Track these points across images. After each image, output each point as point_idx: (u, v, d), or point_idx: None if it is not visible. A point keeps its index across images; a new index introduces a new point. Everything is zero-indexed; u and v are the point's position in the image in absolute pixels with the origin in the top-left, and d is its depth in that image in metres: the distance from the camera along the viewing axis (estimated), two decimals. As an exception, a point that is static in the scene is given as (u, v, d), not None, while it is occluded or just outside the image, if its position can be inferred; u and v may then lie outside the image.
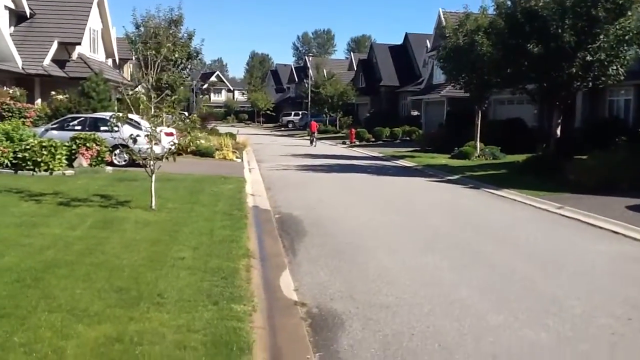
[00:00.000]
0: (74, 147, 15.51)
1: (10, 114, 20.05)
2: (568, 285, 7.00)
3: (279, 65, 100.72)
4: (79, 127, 17.42)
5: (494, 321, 5.74)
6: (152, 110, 10.36)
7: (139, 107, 10.30)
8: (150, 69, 10.59)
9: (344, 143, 39.20)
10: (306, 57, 78.20)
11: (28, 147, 13.92)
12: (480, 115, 25.45)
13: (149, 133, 10.23)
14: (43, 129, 17.30)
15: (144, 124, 11.24)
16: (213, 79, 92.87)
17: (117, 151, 16.48)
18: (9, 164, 14.01)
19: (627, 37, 17.53)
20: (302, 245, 8.89)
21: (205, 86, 78.71)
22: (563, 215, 11.89)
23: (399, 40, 55.62)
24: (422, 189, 16.43)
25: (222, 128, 40.87)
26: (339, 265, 7.71)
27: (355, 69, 60.56)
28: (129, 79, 27.52)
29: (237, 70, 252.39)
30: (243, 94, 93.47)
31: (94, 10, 29.13)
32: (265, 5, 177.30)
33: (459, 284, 6.96)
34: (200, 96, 25.14)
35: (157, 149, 11.50)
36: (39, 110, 21.95)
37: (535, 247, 9.12)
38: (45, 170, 13.88)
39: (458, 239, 9.44)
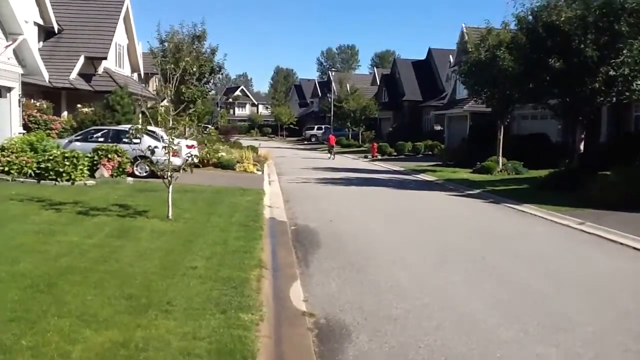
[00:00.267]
0: (96, 158, 15.81)
1: (37, 126, 20.56)
2: (582, 302, 6.86)
3: (302, 80, 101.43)
4: (101, 139, 17.77)
5: (504, 336, 5.64)
6: (170, 122, 10.51)
7: (157, 119, 10.45)
8: (169, 82, 10.77)
9: (365, 157, 39.20)
10: (330, 72, 78.57)
11: (51, 157, 14.23)
12: (502, 130, 25.23)
13: (166, 145, 10.36)
14: (67, 141, 17.70)
15: (165, 136, 11.42)
16: (237, 93, 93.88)
17: (138, 162, 16.73)
18: (33, 174, 14.33)
19: (651, 52, 17.25)
20: (316, 257, 8.88)
21: (229, 100, 79.50)
22: (583, 231, 11.67)
23: (422, 56, 55.64)
24: (441, 203, 16.30)
25: (245, 141, 41.25)
26: (351, 277, 7.68)
27: (379, 83, 60.67)
28: (155, 93, 27.97)
29: (261, 84, 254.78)
30: (267, 108, 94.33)
31: (120, 25, 29.81)
32: (290, 21, 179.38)
33: (471, 298, 6.87)
34: (219, 109, 25.36)
35: (177, 161, 11.67)
36: (64, 123, 22.44)
37: (552, 262, 8.96)
38: (67, 181, 14.15)
39: (473, 254, 9.32)
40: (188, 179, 17.02)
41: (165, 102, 15.33)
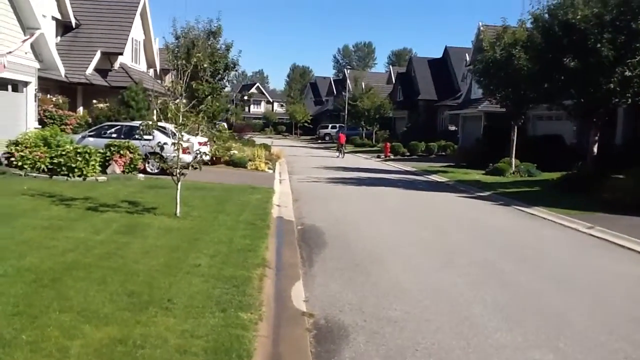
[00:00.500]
0: (108, 154, 15.96)
1: (52, 121, 20.82)
2: (585, 307, 6.81)
3: (318, 78, 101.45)
4: (114, 135, 17.94)
5: (502, 340, 5.62)
6: (180, 118, 10.57)
7: (167, 115, 10.52)
8: (180, 78, 10.83)
9: (378, 157, 39.12)
10: (345, 70, 78.46)
11: (64, 153, 14.39)
12: (516, 131, 25.03)
13: (175, 141, 10.43)
14: (80, 136, 17.89)
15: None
16: (253, 90, 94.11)
17: (150, 159, 16.86)
18: (45, 169, 14.51)
19: (669, 52, 17.00)
20: (320, 257, 8.91)
21: (244, 97, 79.75)
22: (592, 236, 11.56)
23: (439, 54, 55.31)
24: (450, 205, 16.22)
25: (259, 139, 41.38)
26: (353, 278, 7.69)
27: (394, 82, 60.46)
28: (166, 89, 28.18)
29: (278, 82, 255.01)
30: (282, 105, 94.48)
31: (137, 21, 30.06)
32: (308, 18, 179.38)
33: (472, 301, 6.85)
34: (229, 106, 25.43)
35: (187, 158, 11.74)
36: (79, 118, 22.69)
37: (558, 267, 8.89)
38: (79, 176, 14.31)
39: (479, 257, 9.29)
40: (199, 176, 17.18)
41: (183, 100, 15.46)
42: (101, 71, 26.98)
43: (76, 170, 14.31)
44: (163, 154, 10.67)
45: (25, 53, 18.51)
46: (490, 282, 7.75)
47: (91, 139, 17.59)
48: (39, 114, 20.59)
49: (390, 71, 70.37)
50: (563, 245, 10.77)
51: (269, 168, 23.30)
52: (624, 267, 9.14)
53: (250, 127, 60.23)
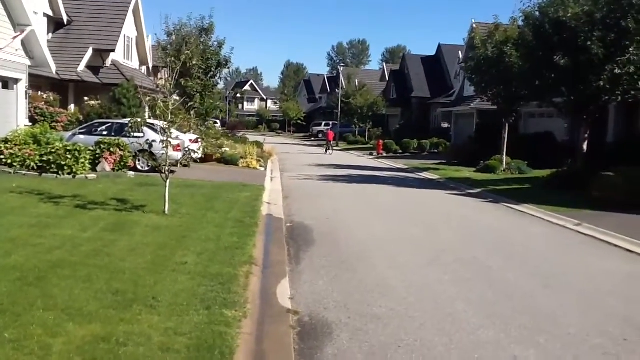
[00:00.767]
0: (98, 151, 15.92)
1: (43, 118, 20.72)
2: (569, 304, 6.87)
3: (312, 75, 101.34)
4: (105, 132, 17.89)
5: (485, 337, 5.67)
6: (169, 116, 10.56)
7: (156, 112, 10.52)
8: (169, 76, 10.82)
9: (371, 154, 39.16)
10: (339, 67, 78.42)
11: (53, 150, 14.35)
12: (507, 128, 25.12)
13: (164, 139, 10.43)
14: (70, 134, 17.83)
15: (172, 130, 11.45)
16: (246, 87, 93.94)
17: (140, 156, 16.82)
18: (35, 167, 14.46)
19: (658, 50, 17.09)
20: (307, 254, 8.93)
21: (237, 95, 79.59)
22: (580, 233, 11.64)
23: (433, 52, 55.37)
24: (440, 202, 16.28)
25: (252, 137, 41.34)
26: (340, 275, 7.73)
27: (387, 79, 60.50)
28: (156, 86, 28.14)
29: (272, 79, 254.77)
30: (275, 103, 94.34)
31: (129, 18, 29.93)
32: (302, 16, 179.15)
33: (457, 298, 6.89)
34: (219, 103, 25.29)
35: (177, 155, 11.73)
36: (70, 115, 22.60)
37: (544, 263, 8.96)
38: (69, 174, 14.28)
39: (466, 253, 9.34)
40: (190, 173, 17.22)
41: (175, 96, 15.46)
42: (93, 68, 26.88)
43: (66, 168, 14.28)
44: (152, 151, 10.66)
45: (16, 50, 18.43)
46: (476, 279, 7.80)
47: (81, 136, 17.54)
48: (30, 111, 20.49)
49: (383, 68, 70.43)
50: (551, 243, 10.84)
51: (261, 165, 23.30)
52: (610, 264, 9.20)
53: (243, 124, 60.24)
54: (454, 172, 24.83)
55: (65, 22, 27.27)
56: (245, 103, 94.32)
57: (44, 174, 14.25)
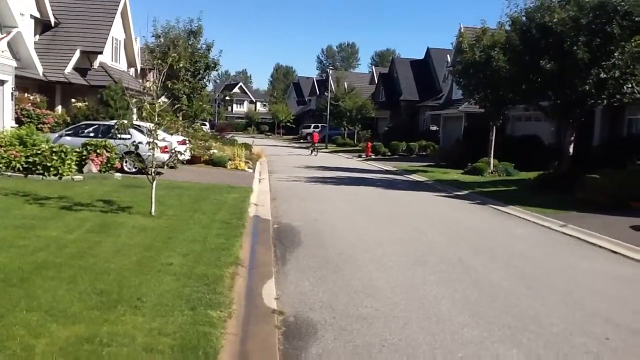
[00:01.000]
0: (85, 153, 15.83)
1: (30, 120, 20.59)
2: (552, 304, 6.93)
3: (301, 78, 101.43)
4: (92, 134, 17.79)
5: (468, 336, 5.71)
6: (156, 118, 10.54)
7: (142, 114, 10.50)
8: (155, 78, 10.81)
9: (360, 156, 39.27)
10: (328, 70, 78.53)
11: (39, 152, 14.25)
12: (495, 131, 25.32)
13: (150, 141, 10.41)
14: (57, 135, 17.73)
15: (159, 132, 11.42)
16: (236, 90, 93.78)
17: (127, 158, 16.75)
18: (21, 168, 14.35)
19: (642, 55, 17.30)
20: (294, 255, 8.94)
21: (227, 97, 79.44)
22: (564, 234, 11.76)
23: (422, 55, 55.58)
24: (427, 204, 16.35)
25: (241, 139, 41.26)
26: (326, 276, 7.74)
27: (377, 82, 60.67)
28: (142, 88, 28.08)
29: (261, 82, 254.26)
30: (265, 105, 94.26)
31: (117, 20, 29.80)
32: (292, 19, 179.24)
33: (442, 298, 6.94)
34: (205, 106, 25.17)
35: (164, 157, 11.69)
36: (57, 117, 22.47)
37: (528, 264, 9.03)
38: (55, 175, 14.19)
39: (451, 255, 9.39)
40: (177, 175, 17.17)
41: (163, 98, 15.45)
42: (80, 70, 26.72)
43: (52, 169, 14.19)
44: (139, 152, 10.64)
45: (2, 52, 18.31)
46: (461, 279, 7.85)
47: (68, 137, 17.44)
48: (16, 112, 20.35)
49: (373, 72, 70.54)
50: (535, 243, 10.92)
51: (249, 167, 23.28)
52: (594, 264, 9.30)
53: (232, 126, 60.05)
54: (442, 174, 24.95)
55: (53, 24, 27.11)
56: (234, 105, 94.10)
57: (29, 176, 14.15)
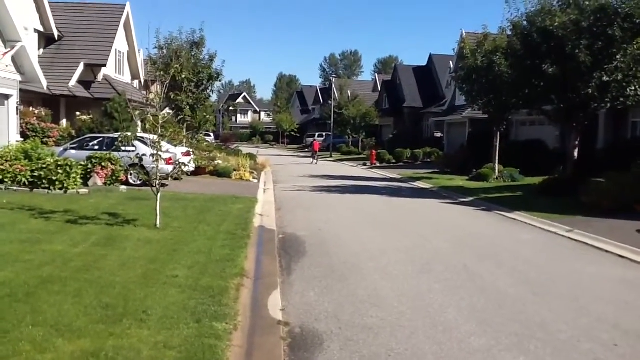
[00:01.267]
0: (90, 166, 15.89)
1: (35, 134, 20.71)
2: (560, 310, 6.89)
3: (304, 87, 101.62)
4: (97, 147, 17.86)
5: (475, 345, 5.68)
6: (159, 129, 10.58)
7: (146, 126, 10.53)
8: (157, 90, 10.86)
9: (364, 164, 39.23)
10: (331, 78, 78.72)
11: (44, 166, 14.31)
12: (499, 136, 25.27)
13: (154, 153, 10.44)
14: (62, 149, 17.81)
15: (163, 144, 11.46)
16: (240, 100, 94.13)
17: (132, 170, 16.79)
18: (26, 183, 14.40)
19: (645, 57, 17.26)
20: (299, 265, 8.93)
21: (230, 108, 79.74)
22: (571, 239, 11.70)
23: (424, 62, 55.64)
24: (432, 211, 16.31)
25: (245, 149, 41.42)
26: (331, 286, 7.73)
27: (380, 90, 60.75)
28: (145, 100, 28.22)
29: (265, 91, 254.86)
30: (269, 115, 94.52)
31: (120, 32, 30.03)
32: (295, 28, 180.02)
33: (448, 306, 6.91)
34: (208, 117, 25.22)
35: (168, 169, 11.72)
36: (62, 130, 22.59)
37: (535, 270, 8.98)
38: (60, 189, 14.24)
39: (456, 262, 9.36)
40: (182, 187, 17.20)
41: (167, 110, 15.51)
42: (84, 83, 26.92)
43: (57, 183, 14.24)
44: (144, 165, 10.67)
45: (7, 66, 18.44)
46: (467, 287, 7.81)
47: (73, 151, 17.52)
48: (21, 126, 20.48)
49: (376, 79, 70.71)
50: (542, 249, 10.87)
51: (254, 177, 23.29)
52: (601, 269, 9.24)
53: (236, 136, 60.26)
54: (447, 180, 24.91)
55: (56, 38, 27.36)
56: (238, 115, 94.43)
57: (35, 190, 14.20)
